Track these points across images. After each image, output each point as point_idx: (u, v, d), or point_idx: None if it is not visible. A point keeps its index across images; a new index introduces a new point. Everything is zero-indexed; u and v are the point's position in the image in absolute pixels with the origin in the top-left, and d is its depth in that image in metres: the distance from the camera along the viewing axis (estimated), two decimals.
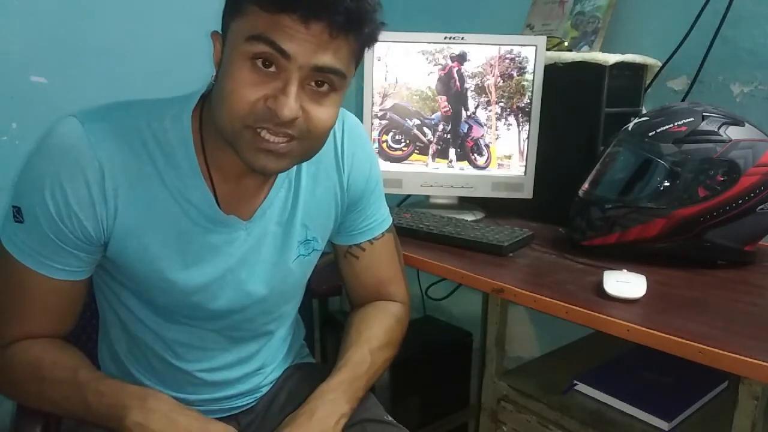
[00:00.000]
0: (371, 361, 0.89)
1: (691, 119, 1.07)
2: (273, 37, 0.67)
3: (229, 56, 0.70)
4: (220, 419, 0.92)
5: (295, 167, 0.86)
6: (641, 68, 1.38)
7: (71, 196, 0.73)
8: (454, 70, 1.37)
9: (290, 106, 0.68)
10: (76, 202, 0.73)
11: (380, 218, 0.98)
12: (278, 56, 0.68)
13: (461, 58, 1.36)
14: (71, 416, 0.80)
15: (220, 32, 0.74)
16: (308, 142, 0.74)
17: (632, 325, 0.85)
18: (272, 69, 0.69)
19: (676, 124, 1.07)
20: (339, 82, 0.72)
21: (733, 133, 1.05)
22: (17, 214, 0.75)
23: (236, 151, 0.73)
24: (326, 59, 0.69)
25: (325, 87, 0.72)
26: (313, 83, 0.71)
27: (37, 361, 0.78)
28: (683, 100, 1.39)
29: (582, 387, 1.09)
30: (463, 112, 1.39)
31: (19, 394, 0.81)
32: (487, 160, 1.41)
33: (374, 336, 0.93)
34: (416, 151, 1.42)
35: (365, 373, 0.88)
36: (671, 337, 0.81)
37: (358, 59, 0.75)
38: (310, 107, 0.71)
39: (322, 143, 0.77)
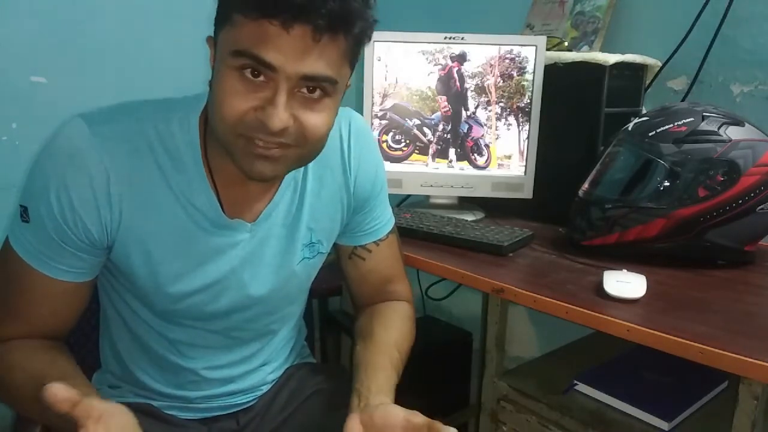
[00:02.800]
0: (401, 366, 0.89)
1: (691, 119, 1.07)
2: (256, 51, 0.65)
3: (218, 65, 0.70)
4: (220, 417, 0.93)
5: (302, 169, 0.85)
6: (641, 68, 1.38)
7: (76, 200, 0.73)
8: (454, 70, 1.37)
9: (279, 116, 0.67)
10: (80, 206, 0.73)
11: (385, 219, 0.98)
12: (264, 68, 0.67)
13: (461, 58, 1.36)
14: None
15: (214, 37, 0.73)
16: (303, 149, 0.73)
17: (632, 325, 0.85)
18: (261, 78, 0.68)
19: (676, 124, 1.07)
20: (330, 87, 0.70)
21: (733, 133, 1.05)
22: (24, 213, 0.75)
23: (232, 159, 0.73)
24: (314, 66, 0.67)
25: (317, 93, 0.70)
26: (304, 90, 0.69)
27: (10, 368, 0.76)
28: (683, 100, 1.39)
29: (582, 387, 1.09)
30: (463, 112, 1.39)
31: (2, 397, 0.79)
32: (487, 160, 1.41)
33: (400, 340, 0.92)
34: (416, 151, 1.42)
35: (398, 377, 0.87)
36: (671, 337, 0.81)
37: (352, 59, 0.73)
38: (302, 114, 0.70)
39: (319, 149, 0.76)
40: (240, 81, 0.68)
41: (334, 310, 1.82)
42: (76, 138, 0.73)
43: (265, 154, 0.71)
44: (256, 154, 0.71)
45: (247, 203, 0.83)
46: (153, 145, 0.76)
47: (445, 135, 1.40)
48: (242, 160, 0.72)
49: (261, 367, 0.96)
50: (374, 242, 0.97)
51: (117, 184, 0.74)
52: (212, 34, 0.74)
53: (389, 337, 0.90)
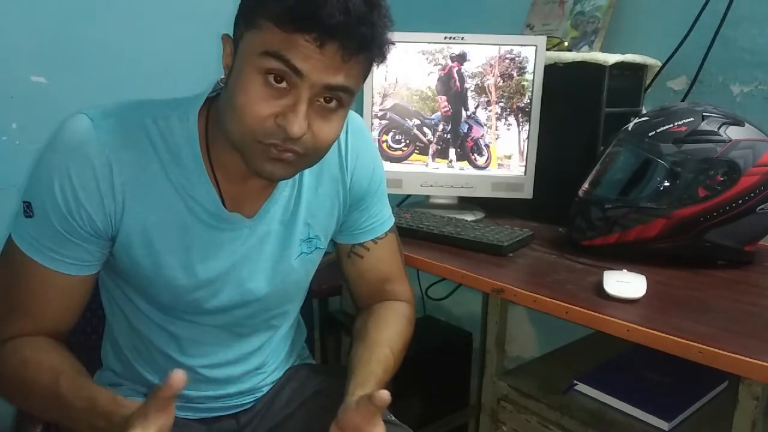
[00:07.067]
0: (393, 363, 0.90)
1: (691, 119, 1.07)
2: (288, 56, 0.67)
3: (241, 67, 0.71)
4: (220, 417, 0.94)
5: None
6: (641, 68, 1.38)
7: (80, 191, 0.74)
8: (454, 70, 1.37)
9: (299, 124, 0.70)
10: (84, 197, 0.74)
11: (383, 218, 0.99)
12: (291, 74, 0.69)
13: (461, 58, 1.36)
14: (57, 423, 0.79)
15: (232, 36, 0.74)
16: (312, 158, 0.76)
17: (632, 325, 0.85)
18: (283, 84, 0.70)
19: (676, 124, 1.07)
20: (347, 98, 0.73)
21: (733, 133, 1.05)
22: (27, 209, 0.76)
23: (244, 159, 0.75)
24: (338, 79, 0.70)
25: (334, 103, 0.73)
26: (322, 99, 0.72)
27: (23, 362, 0.76)
28: (683, 100, 1.39)
29: (582, 387, 1.09)
30: (463, 112, 1.39)
31: (7, 395, 0.80)
32: (487, 160, 1.41)
33: (393, 337, 0.93)
34: (416, 151, 1.42)
35: (387, 374, 0.88)
36: (671, 337, 0.81)
37: (367, 75, 0.76)
38: (317, 124, 0.72)
39: (324, 155, 0.78)
40: (263, 86, 0.70)
41: (334, 310, 1.82)
42: (79, 131, 0.74)
43: (279, 158, 0.73)
44: (271, 158, 0.73)
45: (247, 199, 0.84)
46: (153, 139, 0.78)
47: (445, 135, 1.40)
48: (255, 162, 0.74)
49: (260, 368, 0.96)
50: (372, 240, 0.97)
51: (120, 175, 0.75)
52: (224, 33, 0.74)
53: (380, 336, 0.92)
